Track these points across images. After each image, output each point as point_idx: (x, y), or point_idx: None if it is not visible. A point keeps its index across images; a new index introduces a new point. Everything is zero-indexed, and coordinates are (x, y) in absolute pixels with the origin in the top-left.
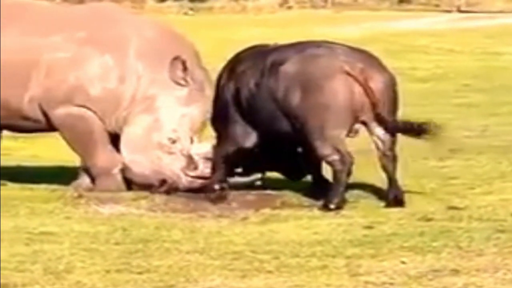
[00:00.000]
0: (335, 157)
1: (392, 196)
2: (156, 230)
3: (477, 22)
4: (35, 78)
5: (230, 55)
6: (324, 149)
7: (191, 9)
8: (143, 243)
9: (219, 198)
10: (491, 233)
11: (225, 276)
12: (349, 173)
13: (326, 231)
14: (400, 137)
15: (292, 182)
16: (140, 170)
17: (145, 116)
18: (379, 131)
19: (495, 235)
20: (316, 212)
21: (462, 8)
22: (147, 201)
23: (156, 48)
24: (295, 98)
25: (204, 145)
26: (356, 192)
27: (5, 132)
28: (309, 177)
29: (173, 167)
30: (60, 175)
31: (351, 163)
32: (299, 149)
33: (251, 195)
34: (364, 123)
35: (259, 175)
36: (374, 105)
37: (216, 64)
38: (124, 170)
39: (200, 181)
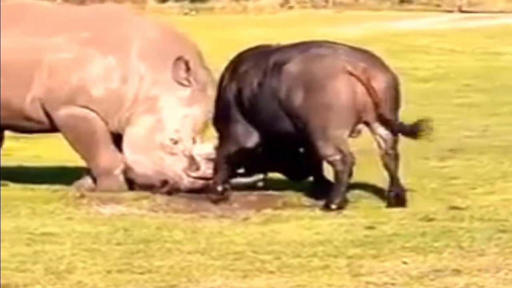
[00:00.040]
0: (337, 157)
1: (394, 195)
2: (158, 231)
3: (478, 22)
4: (37, 78)
5: (232, 55)
6: (326, 149)
7: (192, 10)
8: (144, 243)
9: (221, 199)
10: (492, 233)
11: (226, 276)
12: (350, 174)
13: (327, 231)
14: (401, 137)
15: (293, 182)
16: (142, 171)
17: (147, 116)
18: (381, 130)
19: (497, 235)
20: (318, 212)
21: (464, 8)
22: (148, 202)
23: (159, 48)
24: (298, 98)
25: (206, 146)
26: (357, 192)
27: (7, 133)
28: (310, 178)
29: (175, 168)
30: (62, 176)
31: (353, 164)
32: (301, 150)
33: (253, 196)
34: (366, 123)
35: (261, 176)
36: (376, 105)
37: (218, 65)
38: (126, 170)
39: (202, 181)
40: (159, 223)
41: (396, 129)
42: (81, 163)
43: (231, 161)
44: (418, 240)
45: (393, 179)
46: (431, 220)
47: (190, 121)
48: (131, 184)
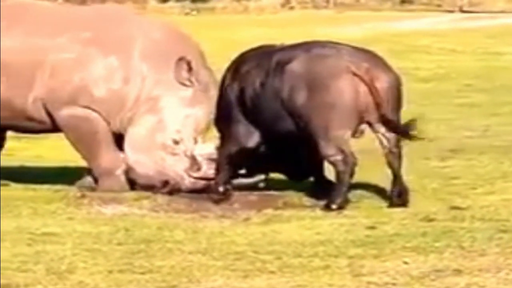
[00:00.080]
0: (338, 157)
1: (397, 193)
2: (159, 231)
3: (478, 22)
4: (39, 78)
5: (234, 55)
6: (327, 149)
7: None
8: (145, 243)
9: (222, 199)
10: (493, 233)
11: (227, 276)
12: (351, 174)
13: (328, 231)
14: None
15: (294, 182)
16: (143, 171)
17: (149, 116)
18: (384, 129)
19: (498, 235)
20: (319, 212)
21: (464, 8)
22: (149, 202)
23: (161, 49)
24: (301, 98)
25: (208, 146)
26: (358, 192)
27: (9, 133)
28: (311, 178)
29: (176, 168)
30: (63, 176)
31: (354, 164)
32: (302, 150)
33: (253, 196)
34: (368, 124)
35: (262, 177)
36: (378, 105)
37: (219, 65)
38: (127, 170)
39: (203, 182)
40: (160, 223)
41: (395, 130)
42: (83, 163)
43: (233, 161)
44: (419, 240)
45: (396, 177)
46: (432, 220)
47: (192, 122)
48: (133, 184)
